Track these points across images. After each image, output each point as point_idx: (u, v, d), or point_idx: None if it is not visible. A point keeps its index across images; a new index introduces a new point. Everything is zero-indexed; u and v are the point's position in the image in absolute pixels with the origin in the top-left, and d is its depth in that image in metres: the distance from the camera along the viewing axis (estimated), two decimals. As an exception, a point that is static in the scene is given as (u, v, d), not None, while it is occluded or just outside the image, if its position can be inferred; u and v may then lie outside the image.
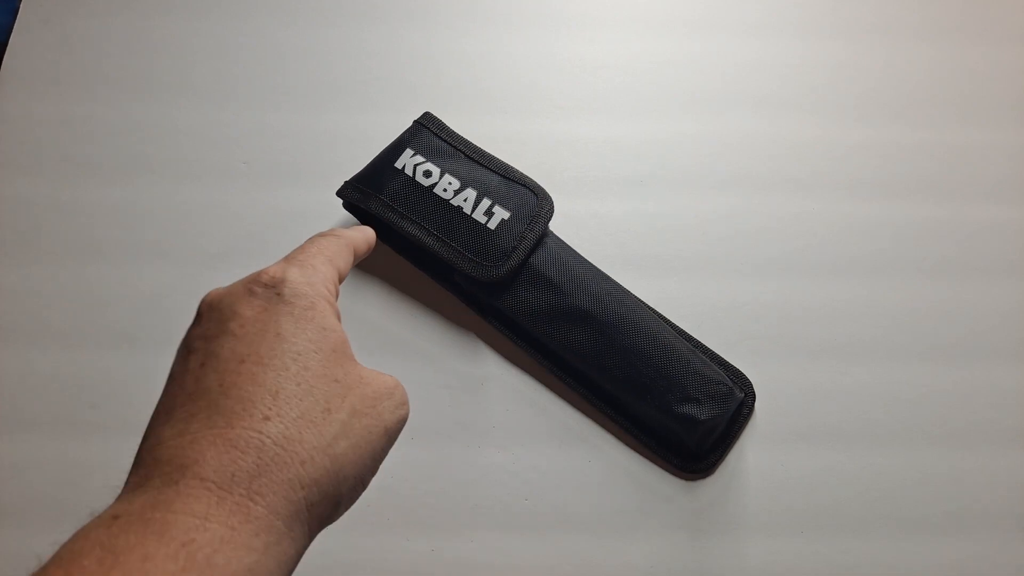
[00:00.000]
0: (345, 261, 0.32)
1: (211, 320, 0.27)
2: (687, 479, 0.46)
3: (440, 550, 0.45)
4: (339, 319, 0.30)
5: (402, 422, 0.29)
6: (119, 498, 0.24)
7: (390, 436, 0.28)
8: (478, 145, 0.50)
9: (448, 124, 0.51)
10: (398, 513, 0.45)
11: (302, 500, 0.25)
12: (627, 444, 0.47)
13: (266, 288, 0.28)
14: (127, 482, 0.25)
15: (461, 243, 0.47)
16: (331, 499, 0.26)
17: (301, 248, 0.31)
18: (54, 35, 0.55)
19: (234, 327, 0.27)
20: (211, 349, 0.26)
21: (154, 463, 0.24)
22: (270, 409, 0.25)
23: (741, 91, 0.56)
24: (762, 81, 0.56)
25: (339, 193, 0.49)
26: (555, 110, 0.55)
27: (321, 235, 0.32)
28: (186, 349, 0.27)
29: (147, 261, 0.50)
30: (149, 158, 0.53)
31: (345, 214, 0.51)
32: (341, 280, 0.32)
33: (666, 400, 0.45)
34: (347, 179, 0.49)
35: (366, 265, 0.50)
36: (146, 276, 0.50)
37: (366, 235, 0.35)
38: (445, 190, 0.48)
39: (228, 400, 0.25)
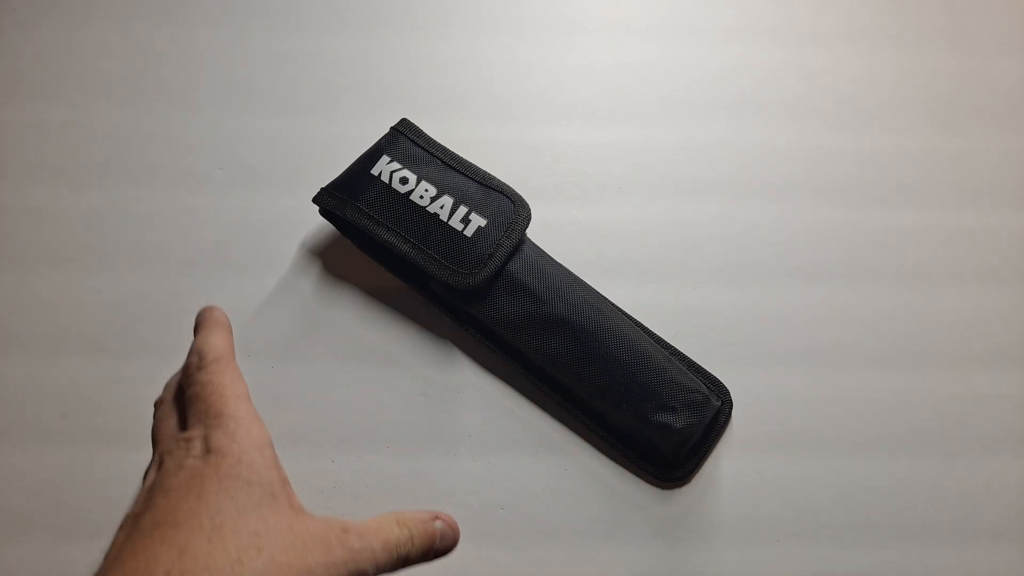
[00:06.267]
0: (229, 352, 0.35)
1: (145, 495, 0.30)
2: (663, 488, 0.46)
3: (415, 560, 0.44)
4: (275, 465, 0.31)
5: (351, 567, 0.30)
6: None
7: None
8: (455, 152, 0.50)
9: (425, 130, 0.50)
10: (373, 522, 0.45)
11: None
12: (603, 453, 0.47)
13: (195, 458, 0.30)
14: None
15: (437, 250, 0.46)
16: None
17: (207, 391, 0.33)
18: (28, 39, 0.55)
19: (159, 501, 0.29)
20: (136, 524, 0.29)
21: None
22: (173, 565, 0.27)
23: (719, 97, 0.56)
24: (740, 88, 0.56)
25: (315, 200, 0.48)
26: (532, 116, 0.55)
27: (205, 369, 0.34)
28: (121, 526, 0.30)
29: (120, 268, 0.50)
30: (123, 163, 0.52)
31: (321, 221, 0.51)
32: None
33: (642, 408, 0.45)
34: (323, 186, 0.49)
35: (343, 272, 0.50)
36: (119, 283, 0.49)
37: (219, 316, 0.38)
38: (422, 197, 0.47)
39: (136, 561, 0.27)
